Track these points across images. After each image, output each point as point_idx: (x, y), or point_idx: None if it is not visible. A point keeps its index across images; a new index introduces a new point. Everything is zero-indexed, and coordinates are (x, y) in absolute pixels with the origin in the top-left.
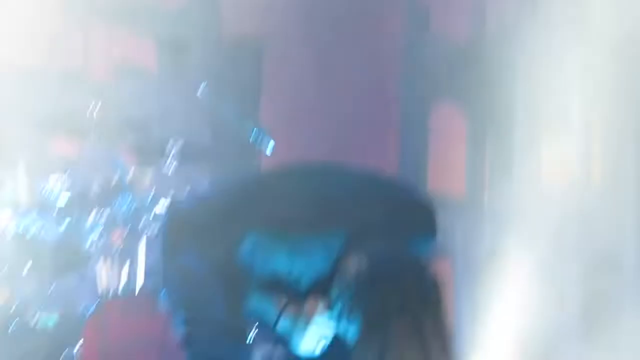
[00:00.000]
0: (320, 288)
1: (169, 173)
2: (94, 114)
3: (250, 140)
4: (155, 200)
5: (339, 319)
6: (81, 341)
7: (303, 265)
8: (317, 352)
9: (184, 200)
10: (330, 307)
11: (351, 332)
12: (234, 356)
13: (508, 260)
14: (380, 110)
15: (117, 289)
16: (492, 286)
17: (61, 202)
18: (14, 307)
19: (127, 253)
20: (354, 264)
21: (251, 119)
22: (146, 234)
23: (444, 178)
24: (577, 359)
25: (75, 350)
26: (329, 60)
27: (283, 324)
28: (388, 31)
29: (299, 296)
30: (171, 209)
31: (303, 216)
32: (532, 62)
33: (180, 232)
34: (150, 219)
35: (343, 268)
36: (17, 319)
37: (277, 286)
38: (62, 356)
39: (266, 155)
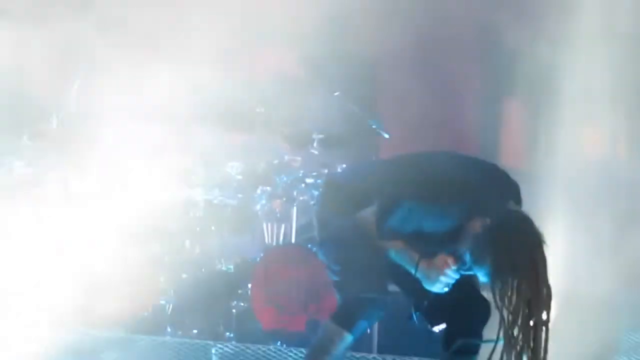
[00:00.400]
0: (448, 245)
1: (314, 157)
2: (259, 113)
3: (371, 130)
4: (303, 178)
5: (470, 266)
6: (251, 282)
7: (439, 226)
8: (445, 290)
9: (338, 176)
10: (456, 261)
11: (482, 273)
12: (375, 300)
13: (556, 217)
14: (463, 106)
15: (278, 243)
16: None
17: (237, 180)
18: (204, 257)
19: (285, 216)
20: (480, 225)
21: (372, 115)
22: (297, 202)
23: (510, 153)
24: (608, 292)
25: (247, 288)
26: (424, 71)
27: (419, 274)
28: (468, 50)
29: (428, 254)
30: (328, 183)
31: (438, 190)
32: (574, 64)
33: (336, 200)
34: (301, 191)
35: (469, 228)
36: (207, 265)
37: (411, 244)
38: (238, 292)
39: (384, 141)
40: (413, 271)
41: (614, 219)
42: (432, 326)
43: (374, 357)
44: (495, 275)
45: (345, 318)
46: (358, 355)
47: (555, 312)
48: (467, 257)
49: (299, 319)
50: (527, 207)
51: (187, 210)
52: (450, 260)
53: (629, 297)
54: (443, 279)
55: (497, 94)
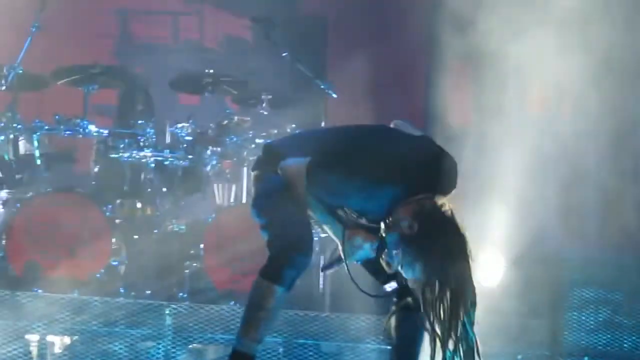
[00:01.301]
0: (373, 224)
1: (264, 117)
2: (208, 75)
3: (320, 90)
4: (253, 138)
5: (398, 259)
6: (204, 242)
7: (368, 206)
8: (358, 261)
9: (276, 142)
10: (378, 241)
11: (408, 274)
12: (298, 246)
13: (503, 172)
14: (411, 70)
15: (229, 203)
16: (492, 194)
17: (187, 141)
18: (156, 218)
19: (235, 176)
20: (407, 225)
21: (320, 76)
22: (248, 162)
23: (457, 114)
24: (554, 245)
25: (200, 248)
26: (375, 33)
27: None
28: (415, 14)
29: (353, 226)
30: (265, 147)
31: (376, 168)
32: (519, 32)
33: (269, 161)
34: (251, 152)
35: (396, 220)
36: (159, 226)
37: (337, 215)
38: (190, 253)
39: (332, 101)
40: (340, 235)
41: (557, 174)
42: (384, 284)
43: (326, 316)
44: (424, 282)
45: (271, 270)
46: (312, 314)
47: (505, 270)
48: (392, 258)
49: (251, 278)
50: (475, 167)
51: (139, 171)
52: (371, 237)
53: (578, 253)
54: (361, 252)
55: (444, 55)
